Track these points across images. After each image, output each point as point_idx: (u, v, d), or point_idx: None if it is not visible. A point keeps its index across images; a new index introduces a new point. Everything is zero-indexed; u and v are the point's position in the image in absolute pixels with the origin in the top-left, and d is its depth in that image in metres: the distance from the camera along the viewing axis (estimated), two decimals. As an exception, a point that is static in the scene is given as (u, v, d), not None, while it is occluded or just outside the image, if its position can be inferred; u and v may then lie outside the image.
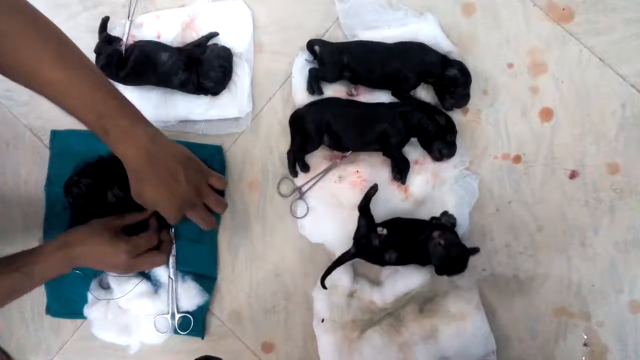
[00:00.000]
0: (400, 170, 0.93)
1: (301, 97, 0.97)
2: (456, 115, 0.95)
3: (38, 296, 1.03)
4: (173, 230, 0.99)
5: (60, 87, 0.71)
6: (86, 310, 1.01)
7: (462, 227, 0.94)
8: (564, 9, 0.95)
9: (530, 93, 0.96)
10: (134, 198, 0.82)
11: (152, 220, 0.95)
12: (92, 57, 0.99)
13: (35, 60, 0.70)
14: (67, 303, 1.02)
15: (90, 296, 1.00)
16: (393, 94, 0.95)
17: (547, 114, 0.95)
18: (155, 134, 0.78)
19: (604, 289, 0.94)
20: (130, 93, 0.99)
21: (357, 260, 0.96)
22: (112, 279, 0.99)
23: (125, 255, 0.88)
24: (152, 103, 0.99)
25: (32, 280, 0.83)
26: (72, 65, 0.72)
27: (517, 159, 0.95)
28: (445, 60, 0.91)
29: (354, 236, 0.92)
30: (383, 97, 0.96)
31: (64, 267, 0.85)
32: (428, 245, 0.88)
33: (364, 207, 0.90)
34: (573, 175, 0.95)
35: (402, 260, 0.91)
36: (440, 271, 0.87)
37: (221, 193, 0.99)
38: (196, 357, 0.83)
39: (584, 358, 0.94)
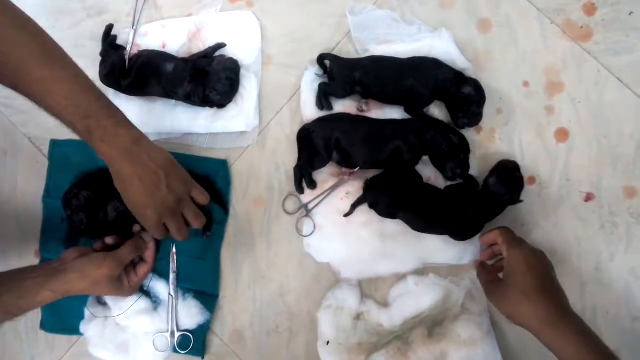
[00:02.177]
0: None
1: (310, 112, 0.95)
2: (469, 134, 0.92)
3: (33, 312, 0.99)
4: (174, 246, 0.96)
5: (46, 86, 0.71)
6: (82, 327, 0.98)
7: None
8: (582, 27, 0.93)
9: (545, 113, 0.93)
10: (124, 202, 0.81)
11: (150, 250, 0.93)
12: (96, 63, 0.97)
13: (21, 58, 0.70)
14: (63, 319, 1.00)
15: (87, 312, 0.98)
16: (406, 111, 0.92)
17: (562, 134, 0.93)
18: (138, 137, 0.78)
19: (619, 316, 0.91)
20: (133, 103, 0.97)
21: (364, 280, 0.94)
22: (109, 298, 0.96)
23: (129, 291, 0.90)
24: (155, 114, 0.97)
25: (26, 311, 0.82)
26: (57, 64, 0.72)
27: (532, 180, 0.93)
28: (460, 77, 0.89)
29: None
30: (394, 113, 0.93)
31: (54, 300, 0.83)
32: (488, 180, 0.87)
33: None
34: (588, 198, 0.92)
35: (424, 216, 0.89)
36: (508, 195, 0.86)
37: (224, 207, 0.97)
38: None
39: (597, 387, 0.91)
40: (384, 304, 0.95)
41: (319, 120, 0.92)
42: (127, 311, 0.95)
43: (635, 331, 0.91)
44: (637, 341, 0.91)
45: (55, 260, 0.86)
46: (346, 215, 0.93)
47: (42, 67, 0.71)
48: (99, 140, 0.74)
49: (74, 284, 0.82)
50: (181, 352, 0.96)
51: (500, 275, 0.83)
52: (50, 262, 0.86)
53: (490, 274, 0.84)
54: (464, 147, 0.89)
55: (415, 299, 0.92)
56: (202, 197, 0.85)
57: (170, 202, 0.80)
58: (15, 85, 0.72)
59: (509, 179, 0.87)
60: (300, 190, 0.95)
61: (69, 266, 0.83)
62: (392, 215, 0.90)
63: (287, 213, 0.97)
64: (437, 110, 0.93)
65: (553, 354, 0.74)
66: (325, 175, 0.95)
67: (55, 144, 1.02)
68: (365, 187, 0.92)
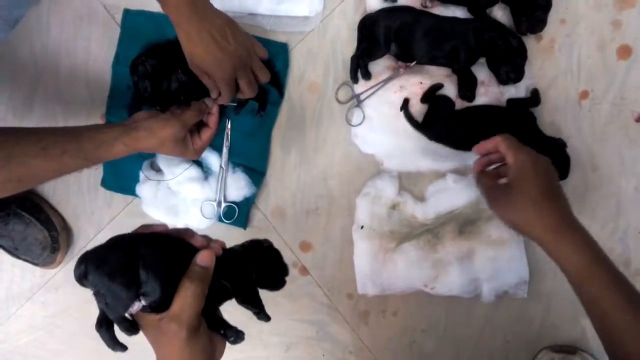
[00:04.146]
0: (468, 88, 0.92)
1: (374, 2, 0.96)
2: (529, 42, 0.92)
3: (94, 168, 1.08)
4: (229, 122, 1.01)
5: None
6: (138, 188, 1.05)
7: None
8: (666, -60, 0.90)
9: (611, 27, 0.92)
10: (189, 64, 0.84)
11: (213, 115, 0.96)
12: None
13: None
14: (121, 178, 1.07)
15: (142, 175, 1.04)
16: (469, 10, 0.92)
17: (625, 51, 0.92)
18: None
19: (649, 238, 0.93)
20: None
21: (403, 173, 0.97)
22: (163, 162, 1.02)
23: (193, 153, 0.93)
24: (224, -9, 0.99)
25: (94, 164, 0.86)
26: None
27: (585, 94, 0.93)
28: (529, -21, 0.88)
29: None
30: (458, 12, 0.94)
31: (126, 154, 0.88)
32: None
33: (428, 96, 0.92)
34: (640, 118, 0.92)
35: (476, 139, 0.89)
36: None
37: (280, 89, 1.01)
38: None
39: (616, 304, 0.94)
40: (421, 199, 0.98)
41: (382, 11, 0.94)
42: (179, 177, 1.01)
43: (666, 255, 0.93)
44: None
45: (128, 119, 0.91)
46: (402, 109, 0.96)
47: None
48: None
49: (143, 141, 0.87)
50: (226, 221, 1.02)
51: (502, 182, 0.81)
52: (124, 121, 0.90)
53: (492, 180, 0.82)
54: (522, 52, 0.89)
55: (452, 196, 0.96)
56: (262, 51, 0.87)
57: (241, 53, 0.82)
58: None
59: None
60: (355, 80, 0.97)
61: (140, 125, 0.88)
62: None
63: (339, 102, 1.00)
64: (500, 13, 0.93)
65: (557, 265, 0.73)
66: (380, 68, 0.97)
67: (128, 13, 1.06)
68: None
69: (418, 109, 0.96)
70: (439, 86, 0.93)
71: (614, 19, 0.92)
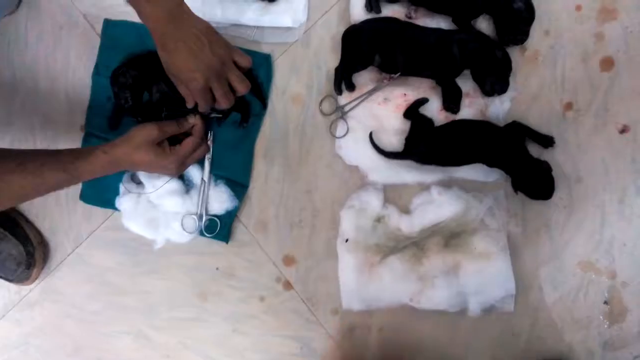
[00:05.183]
0: (452, 100, 0.91)
1: (358, 13, 0.95)
2: (513, 54, 0.92)
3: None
4: (212, 134, 1.00)
5: None
6: (118, 201, 1.03)
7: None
8: (646, -47, 0.91)
9: (594, 39, 0.92)
10: (166, 71, 0.83)
11: (197, 125, 0.94)
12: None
13: None
14: (101, 192, 1.04)
15: (122, 188, 1.02)
16: (454, 21, 0.92)
17: (608, 63, 0.92)
18: (182, 3, 0.79)
19: (635, 250, 0.93)
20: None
21: (388, 185, 0.96)
22: (143, 176, 1.00)
23: (173, 166, 0.90)
24: (207, 2, 0.98)
25: (75, 181, 0.85)
26: None
27: (569, 106, 0.93)
28: (512, -8, 0.88)
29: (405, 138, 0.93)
30: (442, 23, 0.94)
31: (109, 173, 0.87)
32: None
33: (411, 112, 0.91)
34: (624, 130, 0.92)
35: (463, 158, 0.91)
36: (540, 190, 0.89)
37: (263, 101, 0.99)
38: None
39: (601, 316, 0.93)
40: (406, 211, 0.97)
41: (366, 22, 0.93)
42: (160, 190, 0.99)
43: (649, 266, 0.92)
44: (649, 277, 0.92)
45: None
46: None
47: None
48: (145, 0, 0.76)
49: (120, 147, 0.85)
50: (207, 235, 1.00)
51: None
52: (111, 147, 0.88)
53: None
54: (506, 64, 0.89)
55: (436, 208, 0.94)
56: (245, 61, 0.86)
57: (215, 63, 0.81)
58: None
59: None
60: (339, 91, 0.96)
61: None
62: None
63: (323, 113, 0.99)
64: (484, 24, 0.93)
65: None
66: (364, 79, 0.97)
67: (108, 23, 1.05)
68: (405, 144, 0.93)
69: (398, 125, 0.95)
70: (422, 101, 0.92)
71: (597, 31, 0.92)
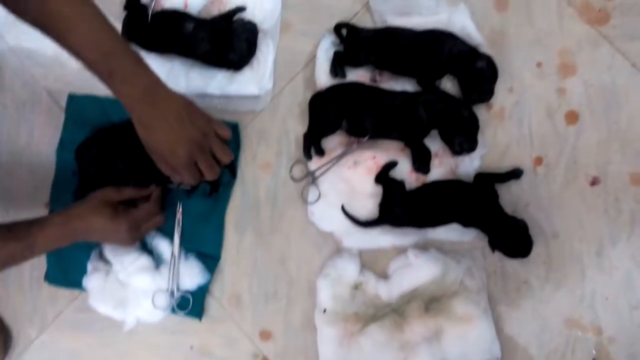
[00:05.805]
0: (422, 161, 0.90)
1: (324, 79, 0.96)
2: (479, 112, 0.93)
3: (37, 262, 1.01)
4: (180, 206, 0.97)
5: (69, 22, 0.71)
6: (85, 281, 0.99)
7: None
8: (599, 11, 0.93)
9: (557, 94, 0.94)
10: (148, 151, 0.81)
11: (155, 192, 0.93)
12: (119, 20, 0.99)
13: None
14: (67, 272, 1.01)
15: (89, 266, 0.99)
16: (418, 83, 0.93)
17: (573, 117, 0.93)
18: (156, 79, 0.78)
19: (617, 304, 0.91)
20: (151, 61, 0.97)
21: (364, 251, 0.94)
22: (111, 253, 0.97)
23: (126, 230, 0.87)
24: (172, 73, 0.99)
25: (31, 250, 0.82)
26: (85, 3, 0.73)
27: (538, 161, 0.93)
28: (474, 52, 0.90)
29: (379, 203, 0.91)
30: (407, 85, 0.94)
31: (65, 240, 0.84)
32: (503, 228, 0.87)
33: (381, 176, 0.90)
34: (594, 182, 0.92)
35: (438, 218, 0.89)
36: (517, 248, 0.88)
37: (232, 170, 0.98)
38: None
39: (591, 374, 0.91)
40: (383, 276, 0.95)
41: (331, 88, 0.93)
42: (129, 268, 0.96)
43: (634, 319, 0.90)
44: (635, 330, 0.90)
45: None
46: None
47: (69, 4, 0.71)
48: (121, 81, 0.75)
49: (75, 208, 0.85)
50: (180, 312, 0.96)
51: None
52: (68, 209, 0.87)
53: None
54: (473, 122, 0.89)
55: (414, 272, 0.92)
56: (225, 131, 0.85)
57: (197, 136, 0.80)
58: (38, 21, 0.72)
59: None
60: (308, 157, 0.95)
61: None
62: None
63: (294, 180, 0.98)
64: (449, 84, 0.94)
65: None
66: (334, 144, 0.96)
67: (72, 98, 1.04)
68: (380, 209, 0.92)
69: (370, 188, 0.94)
70: (392, 165, 0.91)
71: (559, 86, 0.94)
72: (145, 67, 0.77)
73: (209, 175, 0.84)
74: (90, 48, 0.73)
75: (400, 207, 0.89)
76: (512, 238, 0.87)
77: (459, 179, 0.92)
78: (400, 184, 0.90)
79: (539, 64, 0.94)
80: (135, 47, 0.99)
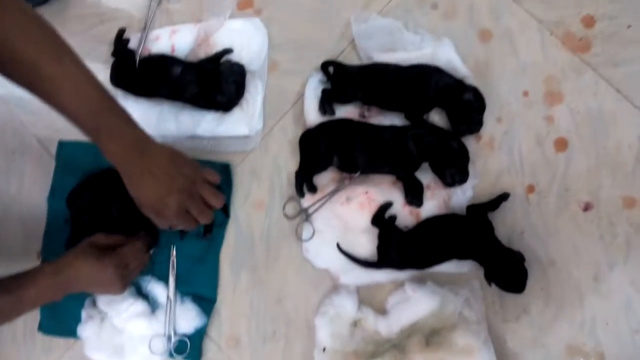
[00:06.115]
0: (414, 194, 0.90)
1: (313, 117, 0.96)
2: (469, 143, 0.93)
3: (31, 314, 0.98)
4: (174, 249, 0.97)
5: (56, 83, 0.71)
6: (79, 329, 0.97)
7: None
8: (581, 39, 0.95)
9: (545, 122, 0.94)
10: (139, 208, 0.81)
11: (140, 233, 0.94)
12: (107, 67, 0.99)
13: (34, 56, 0.70)
14: (61, 321, 0.99)
15: (84, 314, 0.98)
16: (406, 117, 0.93)
17: (561, 144, 0.94)
18: (144, 135, 0.79)
19: (618, 328, 0.90)
20: (140, 105, 0.99)
21: (362, 287, 0.94)
22: (104, 303, 0.96)
23: (113, 270, 0.86)
24: (161, 117, 0.99)
25: (22, 305, 0.81)
26: (67, 62, 0.73)
27: (531, 188, 0.93)
28: (460, 85, 0.90)
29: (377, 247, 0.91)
30: (396, 119, 0.95)
31: (55, 293, 0.84)
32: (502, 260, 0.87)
33: (377, 219, 0.90)
34: (587, 207, 0.92)
35: (436, 258, 0.89)
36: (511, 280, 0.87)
37: (225, 210, 0.98)
38: None
39: (597, 402, 0.89)
40: (382, 312, 0.94)
41: (321, 125, 0.94)
42: (124, 314, 0.95)
43: (636, 344, 0.89)
44: (638, 354, 0.89)
45: None
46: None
47: (53, 64, 0.71)
48: (107, 139, 0.75)
49: (64, 257, 0.85)
50: (178, 356, 0.95)
51: None
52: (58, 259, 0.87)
53: None
54: (463, 154, 0.90)
55: (413, 306, 0.91)
56: (214, 177, 0.85)
57: (186, 185, 0.80)
58: (26, 83, 0.73)
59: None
60: (301, 194, 0.95)
61: None
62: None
63: (287, 217, 0.97)
64: (437, 117, 0.95)
65: None
66: (326, 180, 0.96)
67: (62, 145, 1.04)
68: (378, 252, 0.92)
69: (364, 224, 0.93)
70: (387, 206, 0.91)
71: (546, 114, 0.94)
72: (132, 124, 0.77)
73: (203, 220, 0.84)
74: (77, 108, 0.73)
75: (397, 252, 0.89)
76: (508, 271, 0.86)
77: (452, 213, 0.91)
78: (396, 228, 0.90)
79: (525, 93, 0.95)
80: (124, 92, 1.00)
